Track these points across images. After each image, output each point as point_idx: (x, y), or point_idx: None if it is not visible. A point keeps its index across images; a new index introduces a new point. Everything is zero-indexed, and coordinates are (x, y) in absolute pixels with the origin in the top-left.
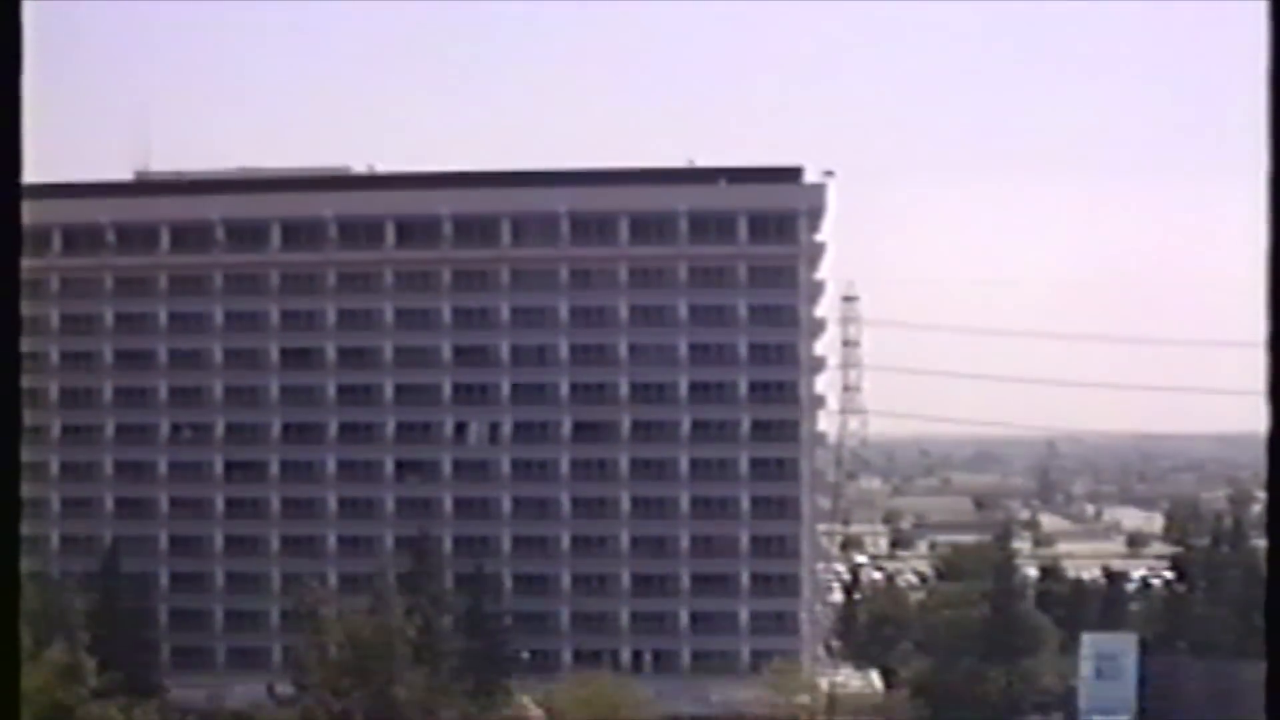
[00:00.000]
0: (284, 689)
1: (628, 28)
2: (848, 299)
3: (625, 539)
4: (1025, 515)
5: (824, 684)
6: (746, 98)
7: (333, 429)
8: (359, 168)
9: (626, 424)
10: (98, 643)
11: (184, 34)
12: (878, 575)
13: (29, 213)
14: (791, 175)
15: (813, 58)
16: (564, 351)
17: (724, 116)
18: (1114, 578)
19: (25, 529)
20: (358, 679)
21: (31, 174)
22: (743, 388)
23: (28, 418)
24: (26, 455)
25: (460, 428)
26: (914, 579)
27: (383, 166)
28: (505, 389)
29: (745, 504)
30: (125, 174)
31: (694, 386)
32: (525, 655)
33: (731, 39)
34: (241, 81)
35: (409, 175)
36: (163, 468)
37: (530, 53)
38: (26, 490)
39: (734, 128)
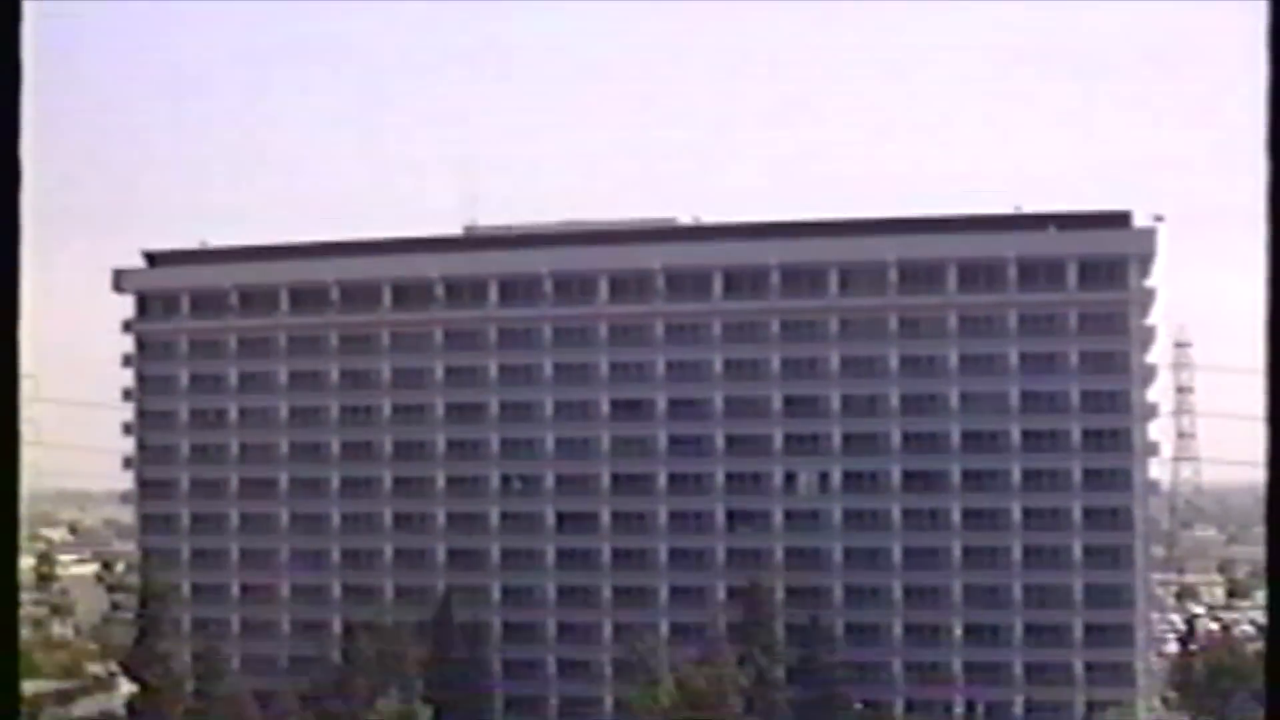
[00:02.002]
0: None
1: (945, 72)
2: (1180, 345)
3: (958, 589)
4: None
5: None
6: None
7: (662, 480)
8: (685, 219)
9: (957, 473)
10: (431, 690)
11: (502, 90)
12: (1214, 626)
13: (358, 270)
14: (1121, 220)
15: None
16: (894, 400)
17: (1050, 162)
18: None
19: (360, 579)
20: None
21: (362, 230)
22: (1075, 436)
23: (363, 469)
24: (366, 507)
25: (790, 478)
26: (1250, 629)
27: (709, 217)
28: (836, 438)
29: (1078, 553)
30: (454, 229)
31: (1025, 435)
32: (858, 705)
33: (1048, 85)
34: (563, 136)
35: (736, 226)
36: (494, 519)
37: (855, 97)
38: (361, 542)
39: (1060, 172)
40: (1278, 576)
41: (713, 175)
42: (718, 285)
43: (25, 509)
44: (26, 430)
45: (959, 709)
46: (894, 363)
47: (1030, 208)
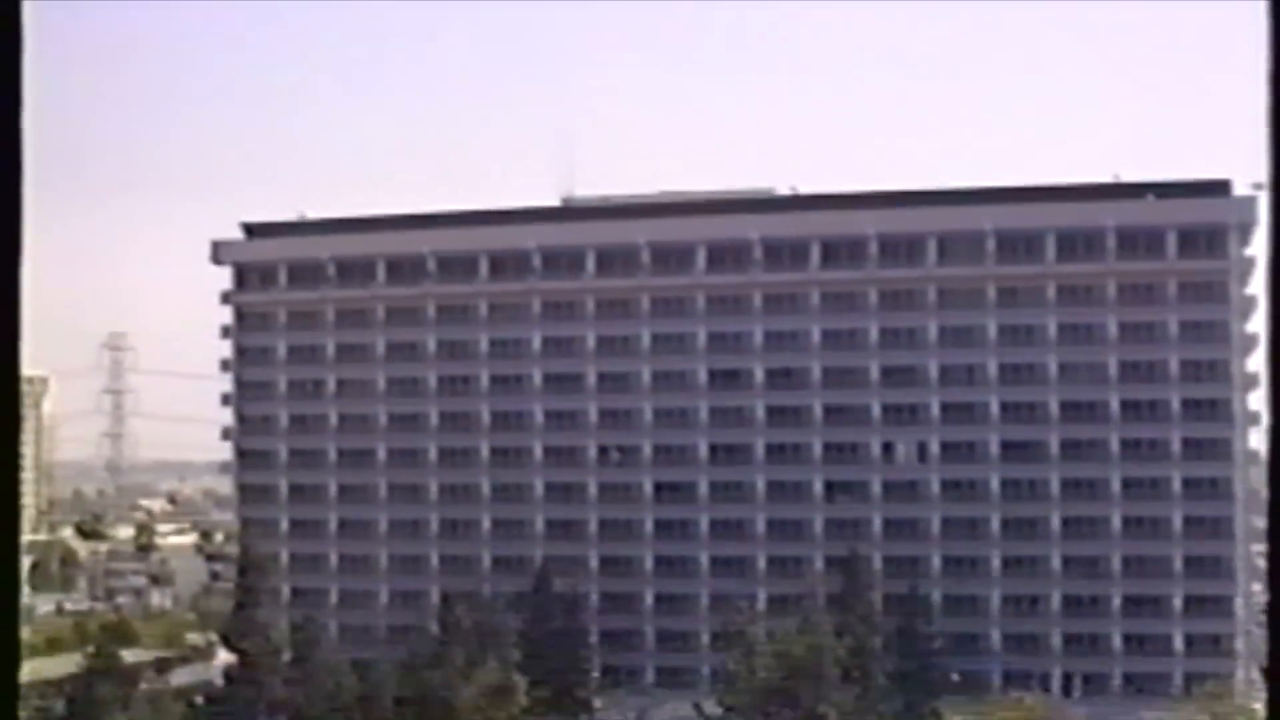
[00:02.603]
0: (712, 708)
1: (1043, 41)
2: None
3: (1056, 560)
4: None
5: (1259, 708)
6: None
7: (760, 450)
8: (782, 189)
9: (1056, 443)
10: (528, 661)
11: (601, 59)
12: None
13: (457, 240)
14: (1220, 189)
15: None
16: (992, 370)
17: (1146, 129)
18: None
19: (458, 549)
20: (786, 699)
21: (461, 201)
22: (1174, 405)
23: (461, 440)
24: (466, 478)
25: (888, 448)
26: None
27: (806, 187)
28: (934, 409)
29: (1178, 524)
30: (552, 200)
31: (1124, 405)
32: (955, 677)
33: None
34: (664, 105)
35: (833, 195)
36: (592, 489)
37: (949, 68)
38: (458, 511)
39: (1159, 139)
40: (1278, 576)
41: (809, 145)
42: (815, 255)
43: (126, 479)
44: (128, 402)
45: (1056, 680)
46: (992, 332)
47: (1128, 176)
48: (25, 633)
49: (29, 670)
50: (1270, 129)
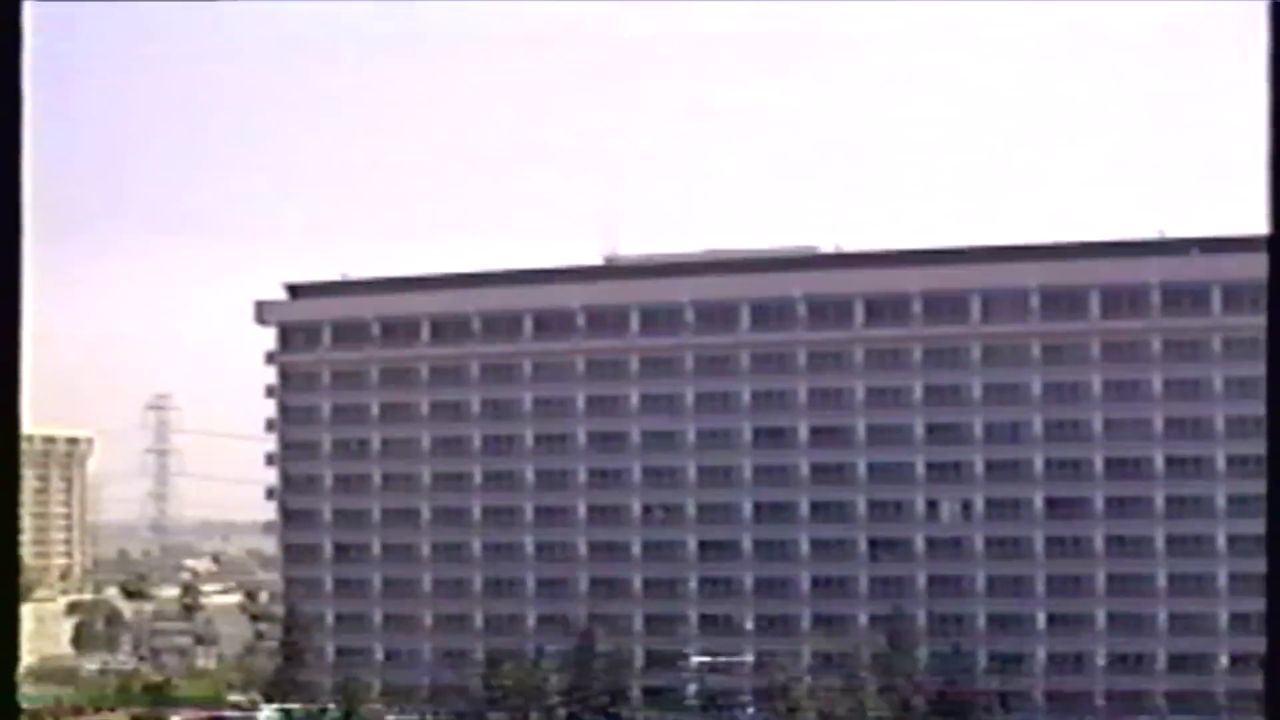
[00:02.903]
0: None
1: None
2: None
3: (1102, 617)
4: None
5: None
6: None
7: (804, 507)
8: (826, 247)
9: (1100, 500)
10: (573, 718)
11: (643, 117)
12: None
13: (501, 299)
14: (1266, 244)
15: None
16: (1037, 427)
17: (1188, 183)
18: None
19: (502, 608)
20: None
21: (505, 260)
22: (1219, 462)
23: (505, 498)
24: (509, 536)
25: (933, 505)
26: None
27: (849, 245)
28: (978, 466)
29: (1223, 580)
30: (595, 258)
31: (1169, 460)
32: None
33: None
34: (706, 162)
35: (877, 253)
36: (636, 548)
37: (991, 122)
38: (502, 570)
39: (1201, 195)
40: (1277, 576)
41: (851, 202)
42: (859, 313)
43: (170, 539)
44: (172, 462)
45: None
46: (1036, 389)
47: (1173, 232)
48: (69, 691)
49: None
50: (1270, 129)
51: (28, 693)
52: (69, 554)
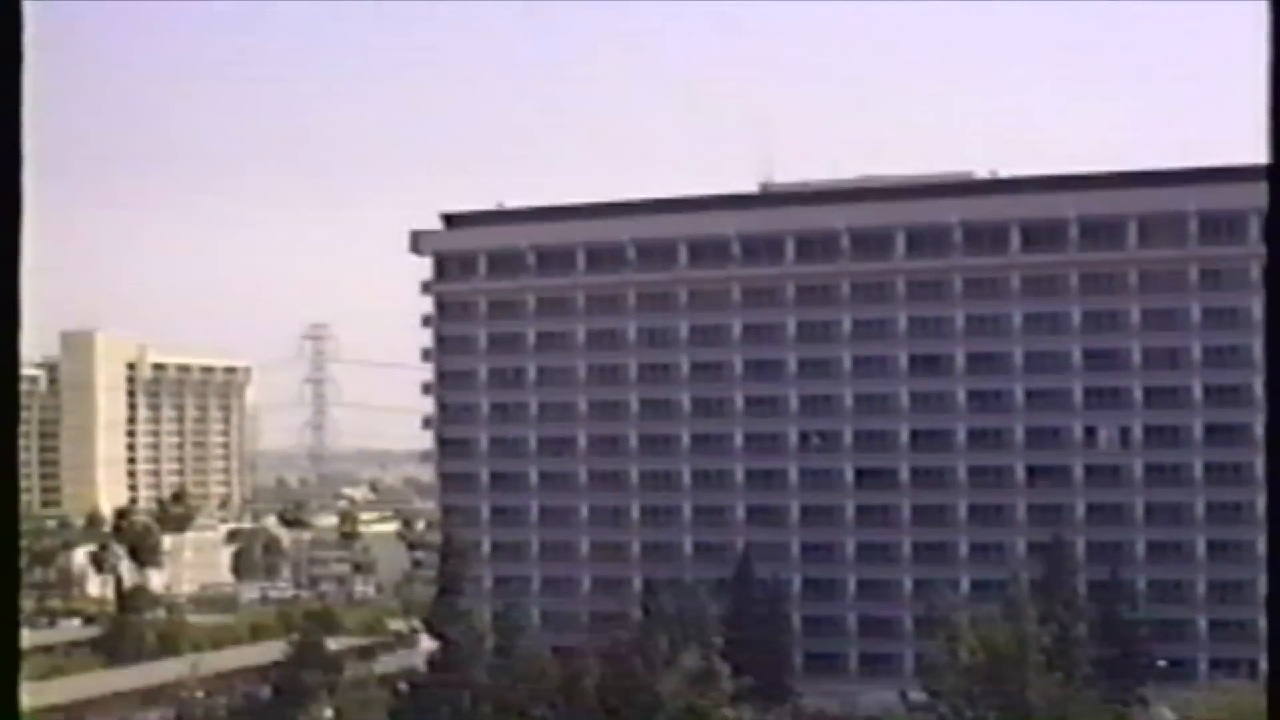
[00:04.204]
0: (916, 695)
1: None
2: None
3: (1262, 545)
4: None
5: None
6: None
7: (961, 435)
8: (981, 172)
9: (1260, 427)
10: (731, 648)
11: (798, 45)
12: None
13: (656, 228)
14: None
15: None
16: (1195, 353)
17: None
18: None
19: (660, 536)
20: (990, 686)
21: (660, 189)
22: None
23: (662, 427)
24: (666, 465)
25: (1090, 432)
26: None
27: (1005, 171)
28: (1136, 393)
29: None
30: (750, 186)
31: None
32: (1162, 663)
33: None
34: (862, 89)
35: (1033, 178)
36: (793, 476)
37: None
38: (659, 498)
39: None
40: (1277, 576)
41: (1007, 129)
42: (1015, 239)
43: (327, 468)
44: (329, 391)
45: (1263, 666)
46: (1195, 315)
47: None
48: (230, 619)
49: (235, 657)
50: (1270, 123)
51: (191, 620)
52: (227, 483)
